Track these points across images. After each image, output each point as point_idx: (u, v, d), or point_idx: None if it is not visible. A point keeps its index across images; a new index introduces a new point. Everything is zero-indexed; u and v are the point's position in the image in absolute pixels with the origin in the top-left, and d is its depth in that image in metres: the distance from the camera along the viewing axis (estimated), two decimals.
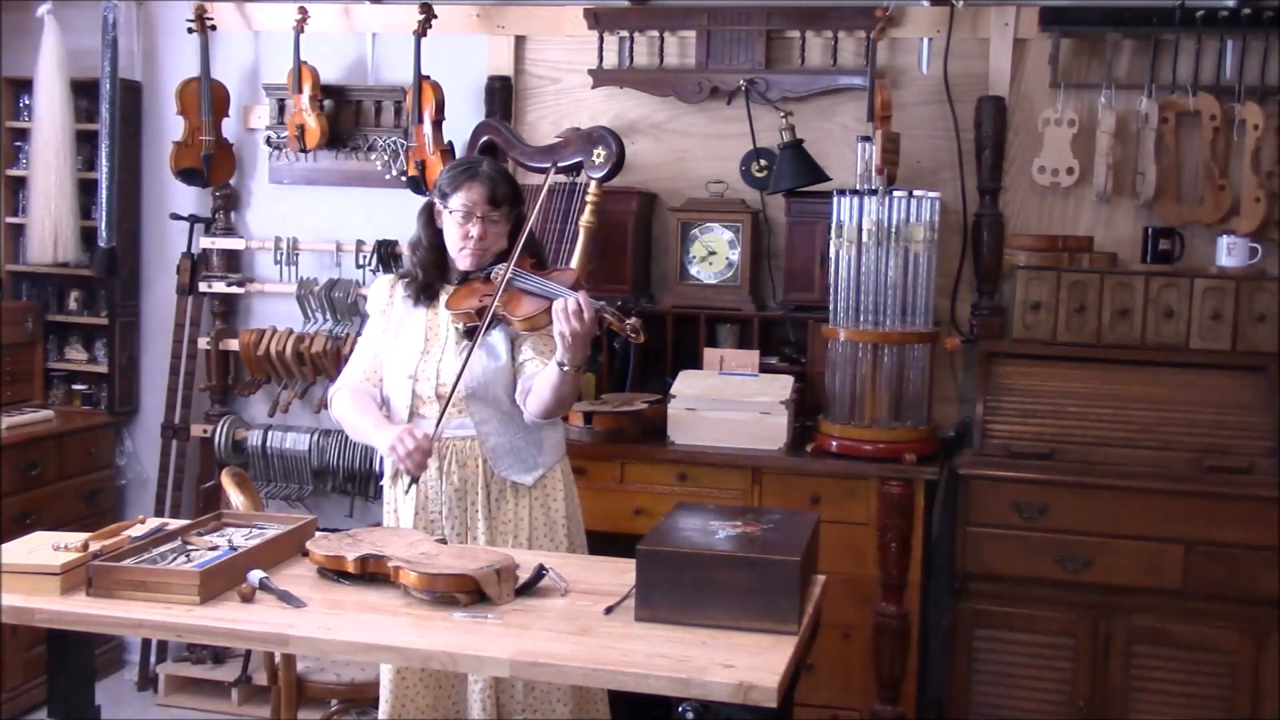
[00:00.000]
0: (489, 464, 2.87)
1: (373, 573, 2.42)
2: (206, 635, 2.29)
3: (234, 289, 4.50)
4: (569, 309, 2.63)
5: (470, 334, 2.84)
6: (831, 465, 3.54)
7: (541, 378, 2.78)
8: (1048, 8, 3.80)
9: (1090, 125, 3.83)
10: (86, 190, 4.50)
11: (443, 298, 2.91)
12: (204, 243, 4.52)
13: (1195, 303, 3.62)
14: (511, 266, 2.80)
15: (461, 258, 2.88)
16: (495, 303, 2.77)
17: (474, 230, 2.85)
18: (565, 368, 2.70)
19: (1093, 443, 3.49)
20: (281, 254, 4.43)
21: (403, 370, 2.89)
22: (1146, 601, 3.39)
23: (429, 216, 2.96)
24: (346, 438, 4.36)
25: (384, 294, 3.01)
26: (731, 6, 4.02)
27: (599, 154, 3.77)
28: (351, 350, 4.20)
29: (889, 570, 3.46)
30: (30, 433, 4.17)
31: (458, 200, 2.85)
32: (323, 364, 4.35)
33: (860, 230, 3.56)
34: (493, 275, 2.84)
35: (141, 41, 4.62)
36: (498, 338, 2.87)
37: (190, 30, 4.34)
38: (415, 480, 2.79)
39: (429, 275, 2.94)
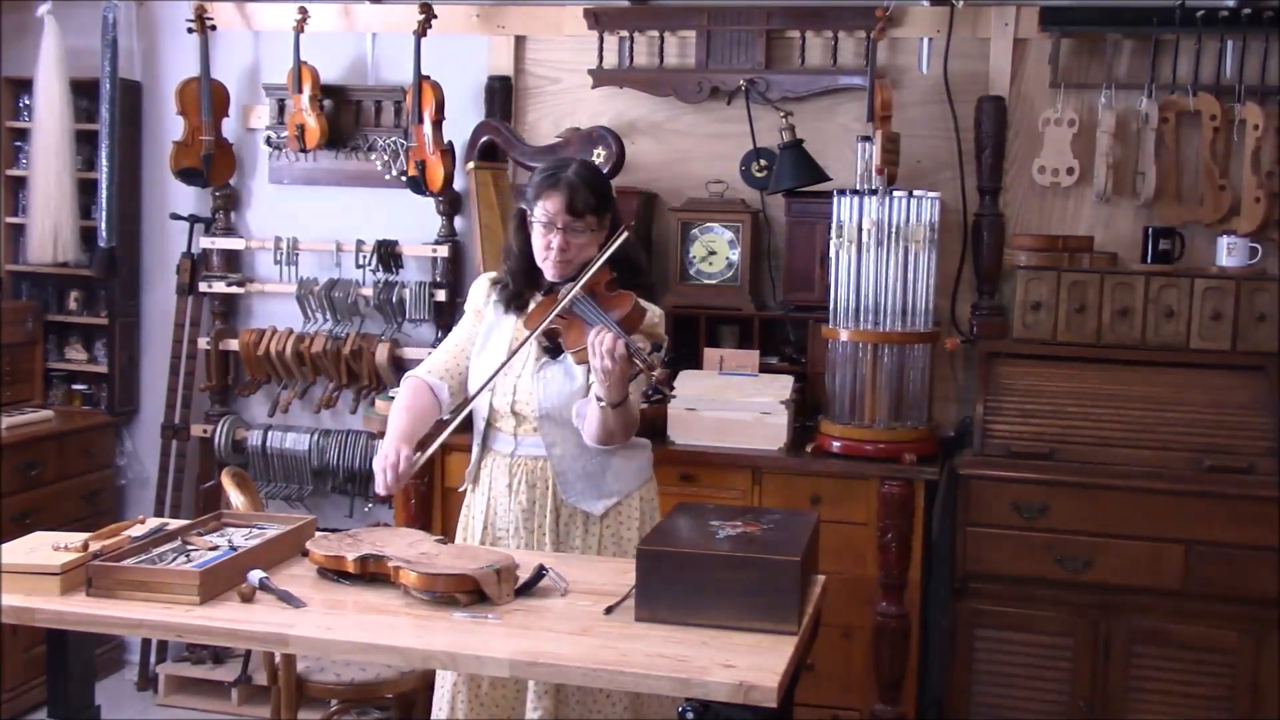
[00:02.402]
0: (558, 489, 2.79)
1: (373, 573, 2.42)
2: (206, 635, 2.29)
3: (234, 289, 4.50)
4: (601, 346, 2.54)
5: (547, 352, 2.76)
6: (831, 465, 3.54)
7: (590, 407, 2.69)
8: (1048, 8, 3.80)
9: (1090, 125, 3.83)
10: (86, 190, 4.50)
11: (528, 311, 2.81)
12: (204, 243, 4.52)
13: (1195, 303, 3.62)
14: (576, 289, 2.67)
15: (546, 268, 2.76)
16: (545, 324, 2.67)
17: (555, 241, 2.70)
18: (602, 403, 2.62)
19: (1093, 443, 3.49)
20: (281, 254, 4.43)
21: (482, 382, 2.80)
22: (1146, 601, 3.39)
23: (520, 222, 2.81)
24: (346, 437, 4.37)
25: (482, 294, 2.91)
26: (731, 6, 4.02)
27: (599, 154, 3.77)
28: (353, 352, 4.27)
29: (889, 570, 3.46)
30: (30, 433, 4.17)
31: (539, 209, 2.71)
32: (323, 364, 4.35)
33: (860, 230, 3.56)
34: (561, 295, 2.71)
35: (141, 41, 4.62)
36: (571, 357, 2.74)
37: (190, 30, 4.35)
38: (381, 500, 2.69)
39: (518, 284, 2.82)
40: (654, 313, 2.80)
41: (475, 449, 2.88)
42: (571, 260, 2.73)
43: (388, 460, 2.65)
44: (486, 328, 2.88)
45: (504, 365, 2.73)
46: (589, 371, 2.68)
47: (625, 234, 2.71)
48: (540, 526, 2.80)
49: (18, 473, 4.09)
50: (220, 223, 4.53)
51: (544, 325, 2.68)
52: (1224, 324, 3.60)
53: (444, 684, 2.84)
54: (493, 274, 2.96)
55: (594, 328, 2.59)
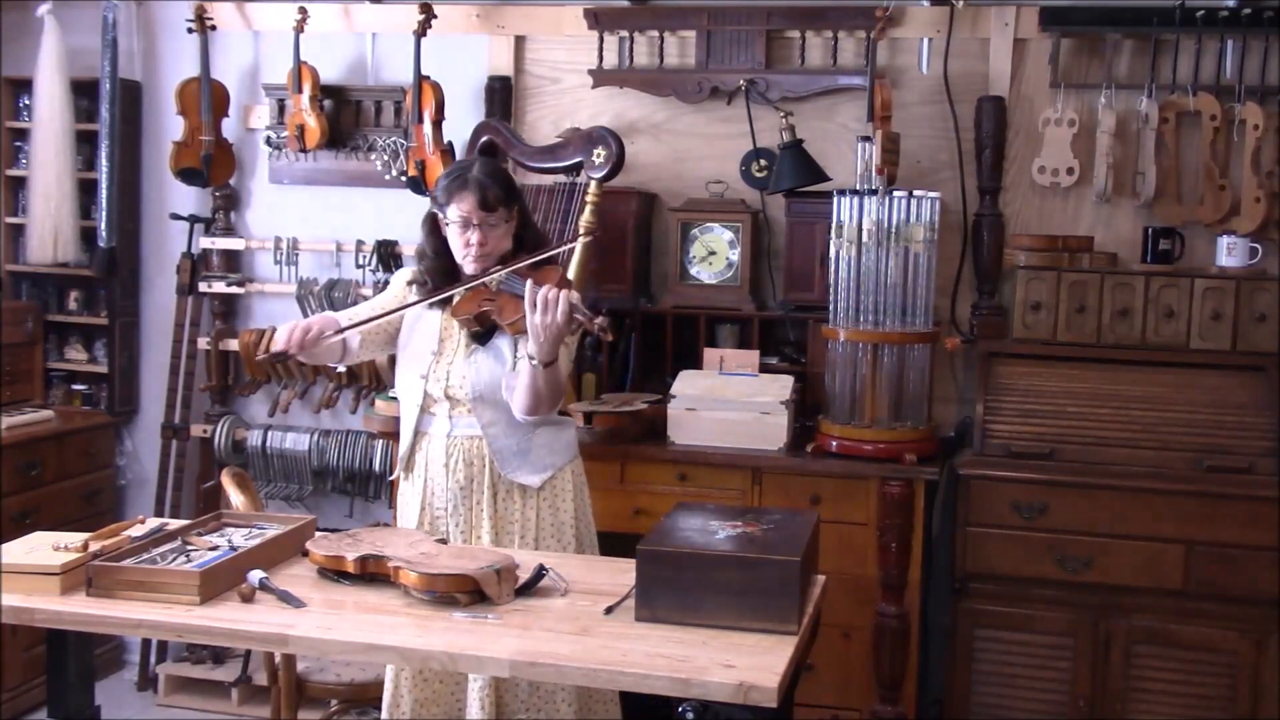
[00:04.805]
0: (495, 465, 2.89)
1: (373, 573, 2.42)
2: (206, 635, 2.29)
3: (234, 289, 4.50)
4: (537, 299, 2.66)
5: (476, 338, 2.89)
6: (831, 465, 3.54)
7: (522, 371, 2.81)
8: (1048, 8, 3.80)
9: (1090, 125, 3.83)
10: (86, 190, 4.50)
11: (455, 301, 2.93)
12: (204, 243, 4.52)
13: (1195, 303, 3.61)
14: (505, 272, 2.84)
15: (466, 264, 2.91)
16: (457, 293, 2.83)
17: (473, 238, 2.86)
18: (534, 361, 2.73)
19: (1093, 443, 3.49)
20: (281, 254, 4.43)
21: (415, 370, 2.93)
22: (1146, 601, 3.39)
23: (433, 225, 2.97)
24: (346, 437, 4.37)
25: (403, 285, 3.05)
26: (731, 6, 4.02)
27: (599, 154, 3.77)
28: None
29: (889, 570, 3.46)
30: (30, 433, 4.17)
31: (453, 211, 2.87)
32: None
33: (860, 230, 3.56)
34: (488, 279, 2.88)
35: (141, 41, 4.62)
36: (504, 342, 2.89)
37: (190, 30, 4.35)
38: (274, 354, 2.78)
39: (437, 281, 2.96)
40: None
41: (407, 436, 2.97)
42: (489, 253, 2.88)
43: (306, 323, 2.80)
44: (410, 323, 2.98)
45: (446, 293, 2.90)
46: (515, 348, 2.84)
47: (567, 246, 3.02)
48: (478, 504, 2.90)
49: (18, 473, 4.09)
50: (220, 223, 4.53)
51: (460, 290, 2.85)
52: (1224, 324, 3.60)
53: (388, 677, 2.91)
54: (409, 272, 3.07)
55: (528, 288, 2.69)
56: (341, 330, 2.86)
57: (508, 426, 2.89)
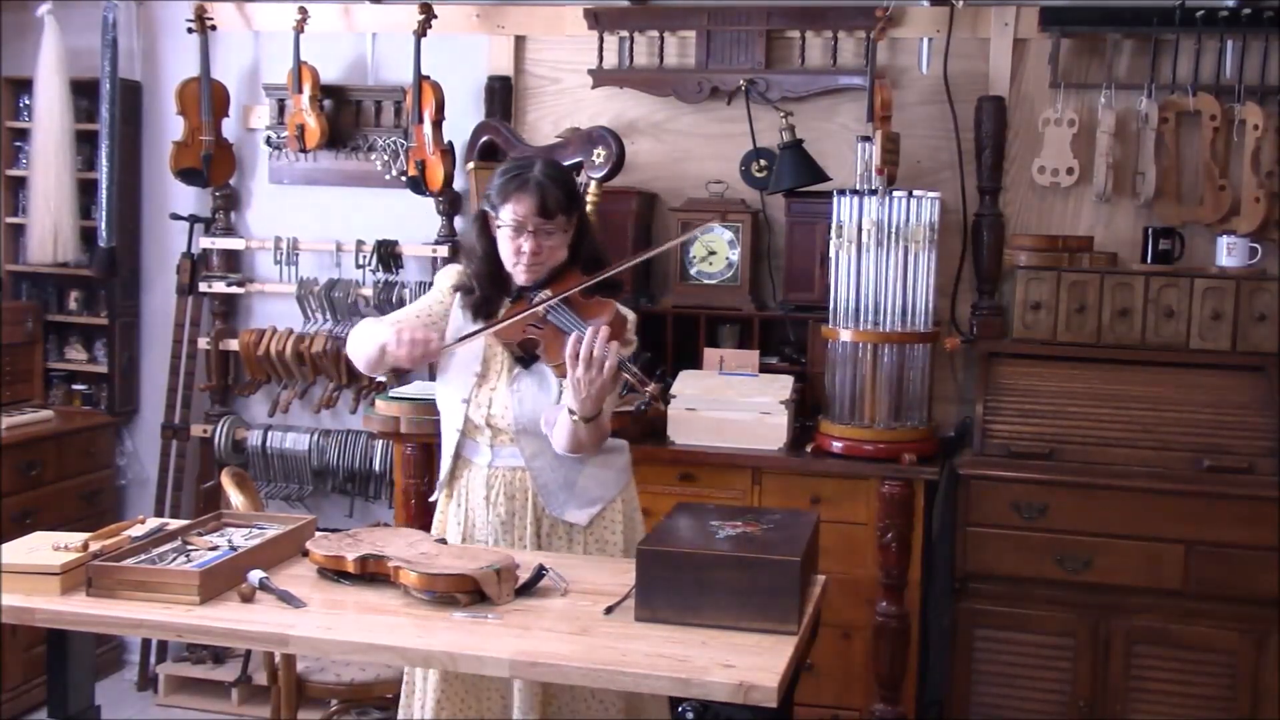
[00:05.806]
0: (539, 500, 2.71)
1: (373, 573, 2.42)
2: (206, 635, 2.29)
3: (234, 289, 4.50)
4: (579, 353, 2.46)
5: (520, 362, 2.70)
6: (831, 465, 3.54)
7: (561, 417, 2.61)
8: (1048, 8, 3.80)
9: (1090, 125, 3.83)
10: (86, 190, 4.50)
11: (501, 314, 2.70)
12: (204, 243, 4.52)
13: (1195, 303, 3.62)
14: (554, 300, 2.59)
15: (517, 273, 2.65)
16: (510, 323, 2.61)
17: (526, 245, 2.59)
18: (574, 415, 2.55)
19: (1093, 443, 3.49)
20: (281, 254, 4.43)
21: (457, 392, 2.73)
22: (1146, 601, 3.39)
23: (483, 225, 2.69)
24: (346, 437, 4.37)
25: (449, 283, 2.79)
26: (731, 6, 4.02)
27: (599, 154, 3.77)
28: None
29: (889, 570, 3.46)
30: (30, 433, 4.17)
31: (507, 213, 2.60)
32: (323, 364, 4.35)
33: (860, 230, 3.56)
34: (535, 301, 2.62)
35: (141, 41, 4.62)
36: (550, 369, 2.67)
37: (190, 30, 4.35)
38: (396, 374, 2.59)
39: (485, 289, 2.69)
40: (630, 319, 2.72)
41: (448, 458, 2.78)
42: (544, 263, 2.63)
43: (415, 334, 2.55)
44: (454, 332, 2.74)
45: (499, 325, 2.64)
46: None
47: (620, 269, 2.67)
48: (520, 539, 2.72)
49: (18, 473, 4.09)
50: (220, 223, 4.53)
51: (500, 320, 2.63)
52: (1224, 324, 3.60)
53: (416, 685, 2.74)
54: (454, 273, 2.81)
55: (573, 338, 2.50)
56: (446, 346, 2.65)
57: (554, 459, 2.68)
